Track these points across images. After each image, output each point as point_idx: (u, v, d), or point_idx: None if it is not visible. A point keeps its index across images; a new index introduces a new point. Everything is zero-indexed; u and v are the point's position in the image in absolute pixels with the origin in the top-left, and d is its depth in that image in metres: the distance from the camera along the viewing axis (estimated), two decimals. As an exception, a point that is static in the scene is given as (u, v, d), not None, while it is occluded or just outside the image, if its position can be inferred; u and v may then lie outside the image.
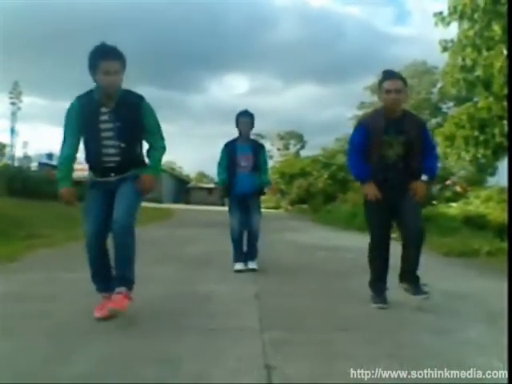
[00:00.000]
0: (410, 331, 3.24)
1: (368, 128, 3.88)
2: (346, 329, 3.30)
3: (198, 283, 4.69)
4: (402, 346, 2.91)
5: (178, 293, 4.26)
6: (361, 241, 9.33)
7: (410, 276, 3.86)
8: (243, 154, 5.51)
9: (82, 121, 3.23)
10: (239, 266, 5.49)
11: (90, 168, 3.37)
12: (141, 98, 3.32)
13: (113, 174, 3.28)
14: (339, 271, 5.79)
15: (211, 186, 55.16)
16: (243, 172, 5.48)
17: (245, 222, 5.57)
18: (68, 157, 3.29)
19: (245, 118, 5.55)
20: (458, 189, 21.75)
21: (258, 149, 5.66)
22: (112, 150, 3.23)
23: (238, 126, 5.57)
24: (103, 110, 3.22)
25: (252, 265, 5.56)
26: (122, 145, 3.24)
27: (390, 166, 3.82)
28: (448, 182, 24.52)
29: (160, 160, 3.48)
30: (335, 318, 3.53)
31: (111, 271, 3.32)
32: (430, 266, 6.67)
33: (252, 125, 5.62)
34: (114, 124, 3.21)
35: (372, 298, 3.90)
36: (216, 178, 5.90)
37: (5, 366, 2.44)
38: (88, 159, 3.34)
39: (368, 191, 3.86)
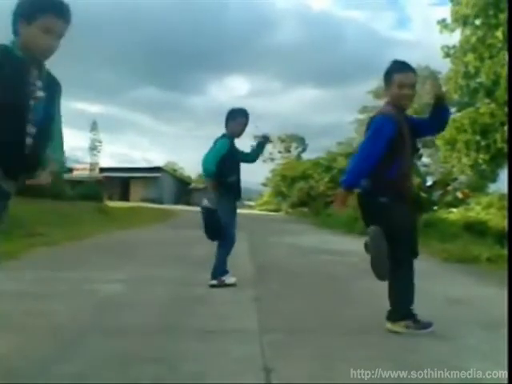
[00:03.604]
0: (409, 336, 3.23)
1: (397, 124, 3.23)
2: (345, 332, 3.30)
3: (198, 285, 4.68)
4: (400, 350, 2.91)
5: (177, 294, 4.26)
6: (360, 245, 9.33)
7: None
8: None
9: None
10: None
11: None
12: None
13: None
14: (339, 275, 5.79)
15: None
16: None
17: None
18: None
19: (243, 119, 4.87)
20: (460, 195, 21.72)
21: None
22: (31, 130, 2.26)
23: (230, 123, 4.83)
24: (31, 79, 2.28)
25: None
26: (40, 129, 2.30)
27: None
28: (449, 188, 24.50)
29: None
30: (334, 321, 3.53)
31: None
32: (429, 272, 6.68)
33: (245, 126, 4.94)
34: (38, 98, 2.28)
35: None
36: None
37: (2, 364, 2.44)
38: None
39: (341, 201, 3.32)
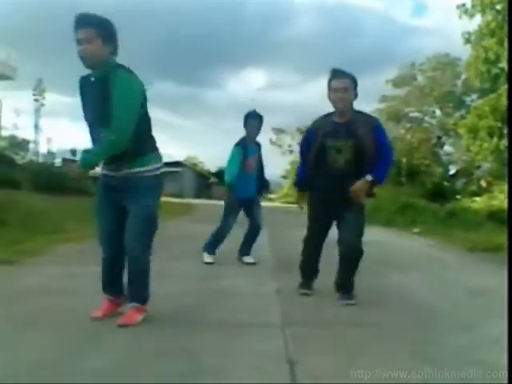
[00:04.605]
0: (433, 328, 3.22)
1: (313, 132, 3.89)
2: (368, 324, 3.29)
3: (220, 278, 4.71)
4: (424, 342, 2.90)
5: (199, 288, 4.29)
6: (384, 235, 9.29)
7: (342, 286, 3.90)
8: (252, 156, 5.55)
9: (82, 101, 2.98)
10: (211, 259, 5.61)
11: None
12: (116, 67, 2.91)
13: (113, 166, 2.98)
14: (361, 266, 5.75)
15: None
16: (251, 174, 5.54)
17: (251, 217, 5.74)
18: None
19: (254, 120, 5.54)
20: (484, 183, 21.39)
21: (259, 150, 5.72)
22: (99, 136, 2.90)
23: (245, 126, 5.55)
24: (88, 88, 2.93)
25: (250, 259, 5.69)
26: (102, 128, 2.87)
27: (338, 172, 3.73)
28: (472, 177, 24.14)
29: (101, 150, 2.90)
30: (357, 314, 3.53)
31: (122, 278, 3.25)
32: (454, 262, 6.61)
33: (260, 126, 5.61)
34: (93, 104, 2.90)
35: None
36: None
37: (27, 358, 2.49)
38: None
39: (297, 199, 4.31)
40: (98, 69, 2.88)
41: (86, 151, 2.87)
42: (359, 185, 3.64)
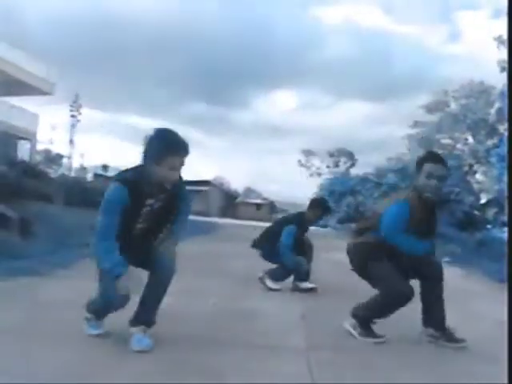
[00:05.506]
0: (462, 360, 3.13)
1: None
2: (394, 352, 3.23)
3: (244, 300, 4.69)
4: (452, 375, 2.83)
5: (223, 309, 4.27)
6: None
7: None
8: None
9: (125, 209, 2.96)
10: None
11: None
12: (187, 194, 3.25)
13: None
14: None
15: (259, 201, 55.39)
16: None
17: None
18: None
19: (318, 210, 5.44)
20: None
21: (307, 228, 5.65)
22: (140, 231, 3.10)
23: (309, 209, 5.45)
24: (149, 201, 3.00)
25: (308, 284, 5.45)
26: (153, 226, 3.12)
27: None
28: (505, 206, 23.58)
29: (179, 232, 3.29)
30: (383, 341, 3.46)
31: None
32: (484, 293, 6.45)
33: (322, 217, 5.57)
34: (153, 209, 3.04)
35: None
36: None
37: (54, 371, 2.51)
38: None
39: None
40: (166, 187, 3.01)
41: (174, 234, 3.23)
42: None
